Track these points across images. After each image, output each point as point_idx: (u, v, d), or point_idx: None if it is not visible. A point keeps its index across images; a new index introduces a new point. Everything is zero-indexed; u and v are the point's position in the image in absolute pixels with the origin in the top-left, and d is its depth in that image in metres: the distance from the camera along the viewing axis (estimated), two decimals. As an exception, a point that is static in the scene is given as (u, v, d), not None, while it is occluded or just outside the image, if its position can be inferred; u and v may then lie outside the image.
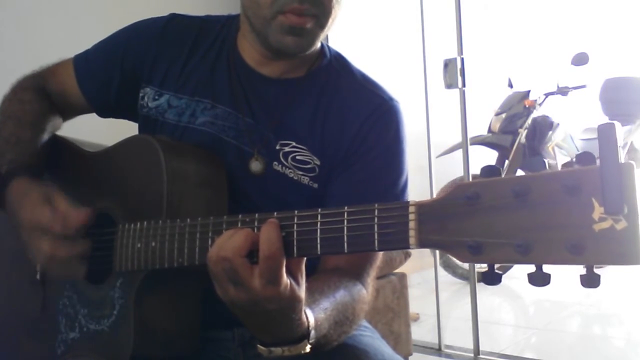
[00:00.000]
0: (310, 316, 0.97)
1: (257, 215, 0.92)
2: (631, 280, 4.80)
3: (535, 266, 0.70)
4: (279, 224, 0.88)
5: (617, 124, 0.63)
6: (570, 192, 0.66)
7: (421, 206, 0.78)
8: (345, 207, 0.85)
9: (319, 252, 0.87)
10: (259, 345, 0.97)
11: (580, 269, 0.68)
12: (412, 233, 0.78)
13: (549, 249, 0.67)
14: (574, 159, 0.69)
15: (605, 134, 0.63)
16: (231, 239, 0.89)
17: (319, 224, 0.87)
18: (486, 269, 0.74)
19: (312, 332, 0.97)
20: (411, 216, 0.78)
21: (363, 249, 0.84)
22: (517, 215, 0.69)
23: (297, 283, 0.91)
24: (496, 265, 0.74)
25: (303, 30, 1.17)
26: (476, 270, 3.42)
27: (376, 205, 0.82)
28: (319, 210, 0.88)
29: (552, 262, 0.67)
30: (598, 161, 0.65)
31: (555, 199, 0.67)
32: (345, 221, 0.84)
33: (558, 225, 0.66)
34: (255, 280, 0.87)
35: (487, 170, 0.73)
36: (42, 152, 1.32)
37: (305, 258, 0.92)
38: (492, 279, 0.74)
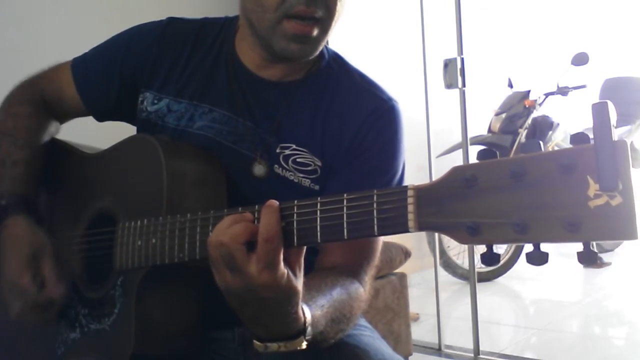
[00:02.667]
0: (307, 313, 0.97)
1: (257, 206, 0.92)
2: (631, 280, 4.80)
3: (533, 245, 0.71)
4: (278, 208, 0.89)
5: (610, 103, 0.64)
6: (566, 170, 0.67)
7: (419, 189, 0.79)
8: (345, 194, 0.86)
9: (319, 240, 0.88)
10: (254, 341, 0.97)
11: (579, 249, 0.69)
12: (410, 216, 0.78)
13: (546, 227, 0.67)
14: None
15: (599, 112, 0.64)
16: (231, 227, 0.89)
17: (318, 212, 0.88)
18: (485, 250, 0.75)
19: (309, 329, 0.97)
20: (410, 200, 0.79)
21: (363, 235, 0.84)
22: (514, 195, 0.70)
23: (295, 274, 0.91)
24: (494, 247, 0.75)
25: (309, 38, 1.18)
26: (476, 270, 3.42)
27: (375, 190, 0.83)
28: (319, 198, 0.89)
29: (550, 240, 0.68)
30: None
31: (551, 178, 0.68)
32: (345, 208, 0.85)
33: (554, 204, 0.67)
34: (252, 266, 0.87)
35: (484, 153, 0.74)
36: (39, 169, 1.34)
37: (304, 250, 0.92)
38: (490, 259, 0.74)
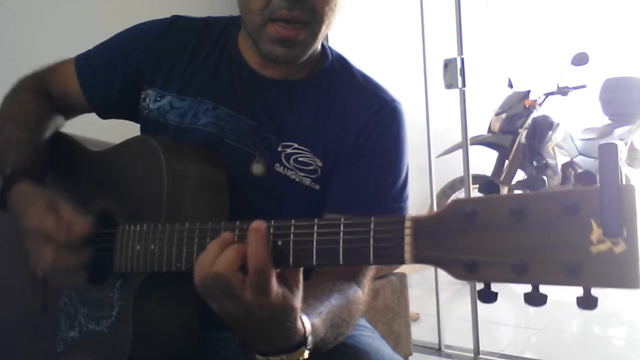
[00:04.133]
0: (306, 322, 0.97)
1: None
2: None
3: (532, 286, 0.69)
4: (265, 234, 0.87)
5: (620, 144, 0.63)
6: (569, 212, 0.65)
7: (417, 221, 0.77)
8: (342, 219, 0.85)
9: (314, 263, 0.87)
10: (257, 355, 0.97)
11: (579, 290, 0.67)
12: (407, 248, 0.77)
13: (545, 269, 0.66)
14: (574, 168, 0.68)
15: (606, 154, 0.62)
16: (222, 255, 0.89)
17: (315, 234, 0.86)
18: (482, 287, 0.73)
19: (310, 338, 0.97)
20: (407, 231, 0.77)
21: (358, 262, 0.84)
22: (514, 234, 0.68)
23: (292, 292, 0.91)
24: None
25: (294, 41, 1.17)
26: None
27: (372, 218, 0.82)
28: (316, 220, 0.88)
29: (549, 283, 0.66)
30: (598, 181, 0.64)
31: (554, 219, 0.66)
32: (341, 233, 0.84)
33: (555, 246, 0.65)
34: (247, 291, 0.87)
35: (486, 187, 0.72)
36: (43, 152, 1.33)
37: (302, 268, 0.92)
38: (487, 297, 0.73)
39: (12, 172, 1.23)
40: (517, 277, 0.67)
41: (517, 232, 0.68)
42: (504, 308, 4.38)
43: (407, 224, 0.77)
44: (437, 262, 0.75)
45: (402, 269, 2.86)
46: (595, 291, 0.66)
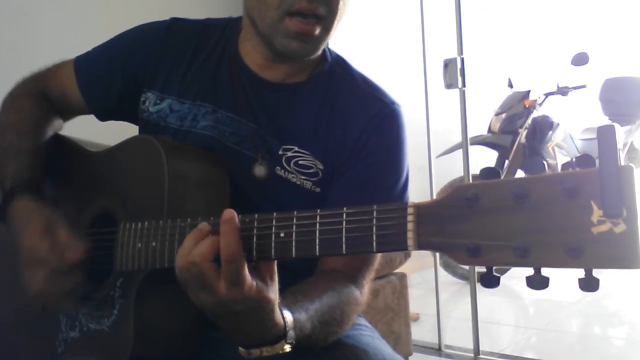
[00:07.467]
0: (287, 316, 0.99)
1: (256, 215, 0.93)
2: (631, 280, 4.79)
3: (534, 269, 0.70)
4: (237, 225, 0.90)
5: (617, 126, 0.63)
6: (569, 194, 0.65)
7: (420, 208, 0.78)
8: (345, 208, 0.86)
9: (317, 253, 0.88)
10: (239, 348, 0.99)
11: (580, 272, 0.68)
12: (410, 235, 0.78)
13: (547, 252, 0.67)
14: (574, 160, 0.68)
15: (605, 136, 0.63)
16: (198, 245, 0.92)
17: (317, 224, 0.87)
18: (485, 270, 0.74)
19: (291, 332, 0.99)
20: (409, 217, 0.78)
21: (361, 250, 0.84)
22: (515, 217, 0.69)
23: (265, 283, 0.93)
24: (494, 268, 0.74)
25: (310, 36, 1.18)
26: (476, 270, 3.41)
27: (375, 206, 0.82)
28: (318, 211, 0.88)
29: (551, 265, 0.67)
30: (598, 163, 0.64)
31: (554, 201, 0.67)
32: (344, 222, 0.85)
33: (557, 228, 0.66)
34: (221, 283, 0.90)
35: (487, 172, 0.73)
36: (43, 158, 1.33)
37: (275, 261, 0.94)
38: (490, 281, 0.73)
39: (11, 185, 1.24)
40: (519, 260, 0.68)
41: (518, 215, 0.69)
42: (504, 308, 4.38)
43: (410, 210, 0.78)
44: (440, 248, 0.75)
45: (402, 269, 2.86)
46: (596, 274, 0.67)
